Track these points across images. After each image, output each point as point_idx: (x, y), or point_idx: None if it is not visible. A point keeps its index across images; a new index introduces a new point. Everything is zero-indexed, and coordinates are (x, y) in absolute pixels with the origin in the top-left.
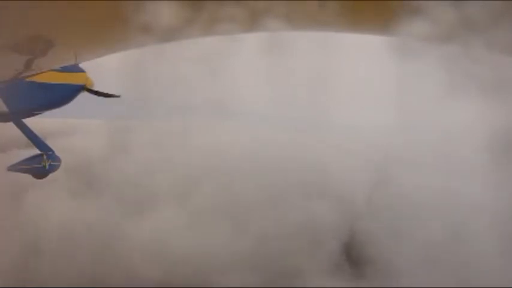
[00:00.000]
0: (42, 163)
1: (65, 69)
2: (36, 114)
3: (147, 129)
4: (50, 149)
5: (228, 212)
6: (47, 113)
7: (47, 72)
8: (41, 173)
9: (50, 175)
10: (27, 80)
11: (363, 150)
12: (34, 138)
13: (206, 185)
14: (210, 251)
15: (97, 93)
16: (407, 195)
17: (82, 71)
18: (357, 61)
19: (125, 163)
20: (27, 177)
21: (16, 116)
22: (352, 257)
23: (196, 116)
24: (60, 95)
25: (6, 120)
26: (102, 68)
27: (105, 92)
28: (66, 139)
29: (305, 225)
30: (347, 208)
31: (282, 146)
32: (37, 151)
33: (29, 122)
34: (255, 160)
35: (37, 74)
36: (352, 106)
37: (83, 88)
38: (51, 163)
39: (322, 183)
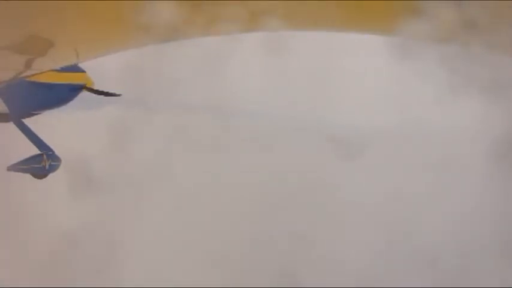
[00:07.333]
0: (42, 163)
1: (65, 69)
2: (36, 114)
3: (147, 129)
4: (50, 149)
5: (228, 211)
6: (47, 113)
7: (47, 72)
8: (41, 173)
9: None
10: (28, 80)
11: (362, 150)
12: (34, 138)
13: (205, 185)
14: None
15: (97, 92)
16: (406, 195)
17: (82, 71)
18: (357, 61)
19: (124, 163)
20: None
21: (16, 116)
22: None
23: (196, 116)
24: (60, 95)
25: (6, 121)
26: (102, 68)
27: (106, 91)
28: None
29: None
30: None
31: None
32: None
33: None
34: (256, 160)
35: (37, 74)
36: (351, 106)
37: (82, 88)
38: (51, 163)
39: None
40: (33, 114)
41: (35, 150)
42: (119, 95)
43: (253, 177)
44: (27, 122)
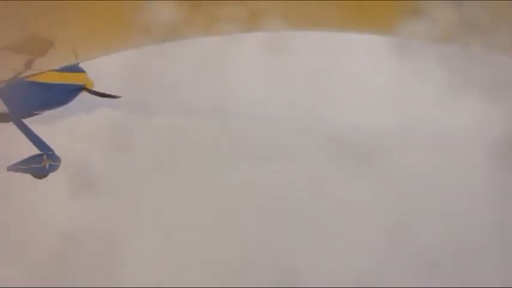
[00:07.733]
0: (42, 163)
1: (65, 69)
2: (37, 114)
3: (147, 129)
4: (50, 149)
5: (229, 213)
6: (47, 113)
7: (47, 72)
8: (41, 173)
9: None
10: (28, 80)
11: (362, 150)
12: (34, 138)
13: (205, 185)
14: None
15: (97, 93)
16: (406, 195)
17: (82, 71)
18: (357, 61)
19: (124, 163)
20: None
21: (16, 116)
22: None
23: (197, 116)
24: (60, 95)
25: (6, 121)
26: (102, 68)
27: (105, 92)
28: None
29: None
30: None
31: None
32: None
33: None
34: (256, 160)
35: (37, 74)
36: (351, 106)
37: (83, 88)
38: (51, 163)
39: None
40: (33, 114)
41: (35, 150)
42: (118, 97)
43: (253, 177)
44: (27, 122)
